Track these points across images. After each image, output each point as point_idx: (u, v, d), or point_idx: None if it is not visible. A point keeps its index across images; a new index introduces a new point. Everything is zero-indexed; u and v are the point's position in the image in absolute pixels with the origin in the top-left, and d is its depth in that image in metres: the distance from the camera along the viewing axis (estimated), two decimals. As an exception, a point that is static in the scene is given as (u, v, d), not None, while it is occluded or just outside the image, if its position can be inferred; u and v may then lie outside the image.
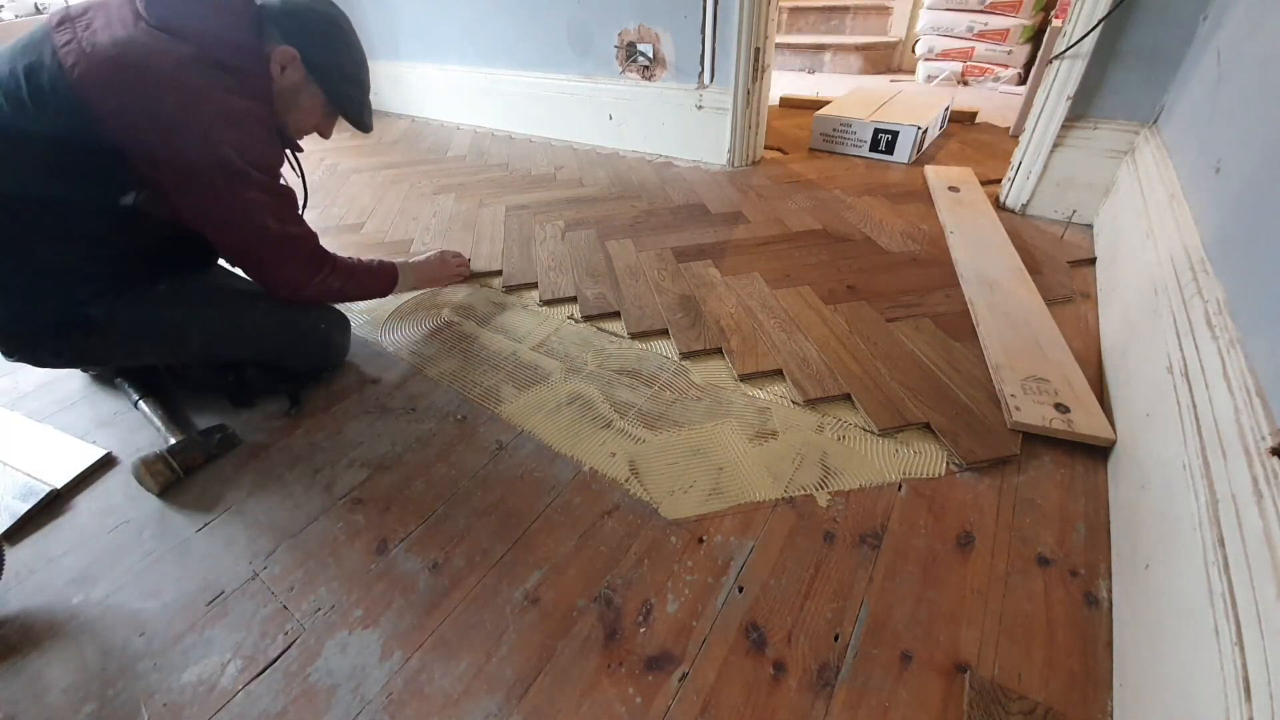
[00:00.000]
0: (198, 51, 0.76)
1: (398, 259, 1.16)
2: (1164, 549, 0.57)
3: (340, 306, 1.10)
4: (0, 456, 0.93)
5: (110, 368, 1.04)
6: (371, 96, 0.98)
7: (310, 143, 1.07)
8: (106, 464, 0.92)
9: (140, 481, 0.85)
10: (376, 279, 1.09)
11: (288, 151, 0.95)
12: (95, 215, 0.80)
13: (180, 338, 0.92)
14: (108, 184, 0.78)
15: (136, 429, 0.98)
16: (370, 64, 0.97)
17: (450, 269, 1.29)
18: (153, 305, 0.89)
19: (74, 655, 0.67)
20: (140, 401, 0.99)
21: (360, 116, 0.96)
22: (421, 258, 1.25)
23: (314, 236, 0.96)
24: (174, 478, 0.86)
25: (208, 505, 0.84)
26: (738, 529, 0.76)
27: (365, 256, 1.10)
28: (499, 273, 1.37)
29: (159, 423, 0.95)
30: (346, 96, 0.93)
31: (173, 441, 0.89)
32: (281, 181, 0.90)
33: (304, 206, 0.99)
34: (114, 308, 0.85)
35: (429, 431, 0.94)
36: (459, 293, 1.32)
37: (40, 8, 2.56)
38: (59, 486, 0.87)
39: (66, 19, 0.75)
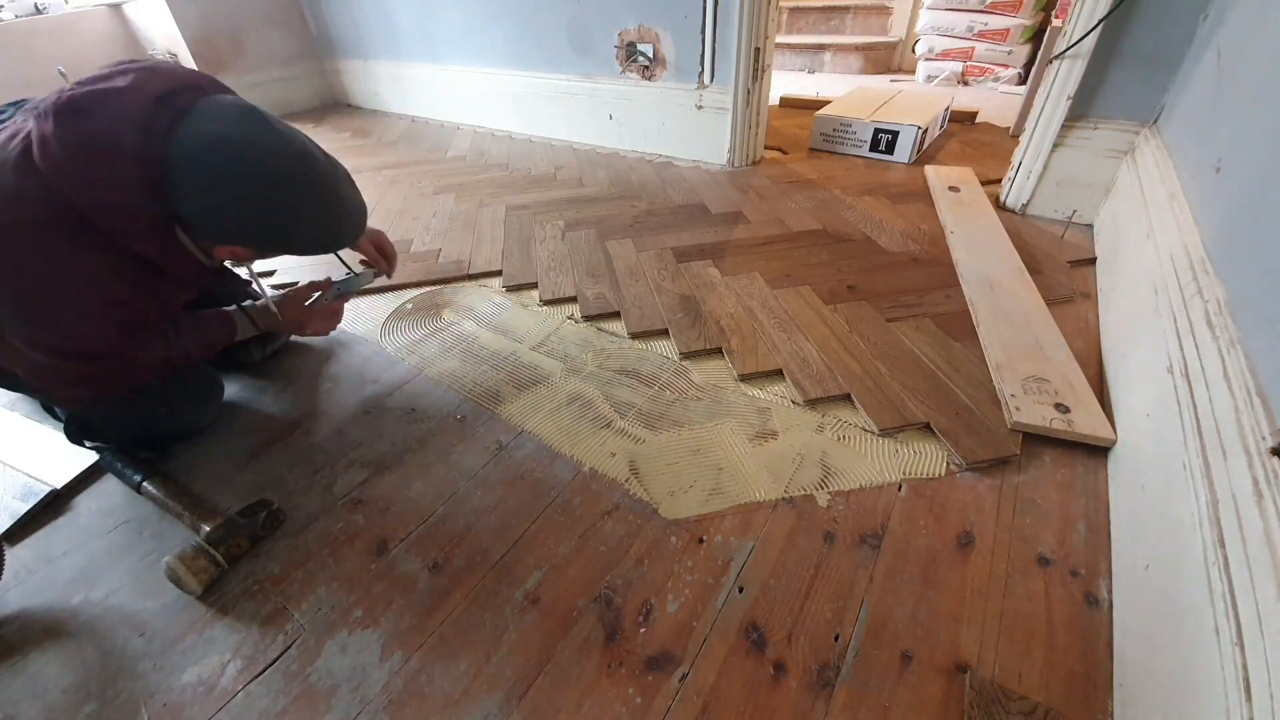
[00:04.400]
0: (67, 206, 0.66)
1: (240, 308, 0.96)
2: (1164, 549, 0.57)
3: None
4: (0, 456, 0.93)
5: (108, 450, 0.90)
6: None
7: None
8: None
9: (178, 582, 0.72)
10: (209, 342, 0.92)
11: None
12: None
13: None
14: None
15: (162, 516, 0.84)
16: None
17: (309, 327, 1.00)
18: None
19: (74, 655, 0.67)
20: (144, 483, 0.85)
21: (304, 253, 0.82)
22: (275, 300, 0.98)
23: (119, 373, 0.82)
24: (219, 572, 0.73)
25: (208, 505, 0.84)
26: (738, 529, 0.76)
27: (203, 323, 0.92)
28: (499, 273, 1.37)
29: (179, 506, 0.81)
30: (277, 249, 0.80)
31: (207, 529, 0.76)
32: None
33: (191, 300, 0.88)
34: None
35: (429, 431, 0.94)
36: (459, 293, 1.32)
37: (40, 8, 2.56)
38: (59, 486, 0.87)
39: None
